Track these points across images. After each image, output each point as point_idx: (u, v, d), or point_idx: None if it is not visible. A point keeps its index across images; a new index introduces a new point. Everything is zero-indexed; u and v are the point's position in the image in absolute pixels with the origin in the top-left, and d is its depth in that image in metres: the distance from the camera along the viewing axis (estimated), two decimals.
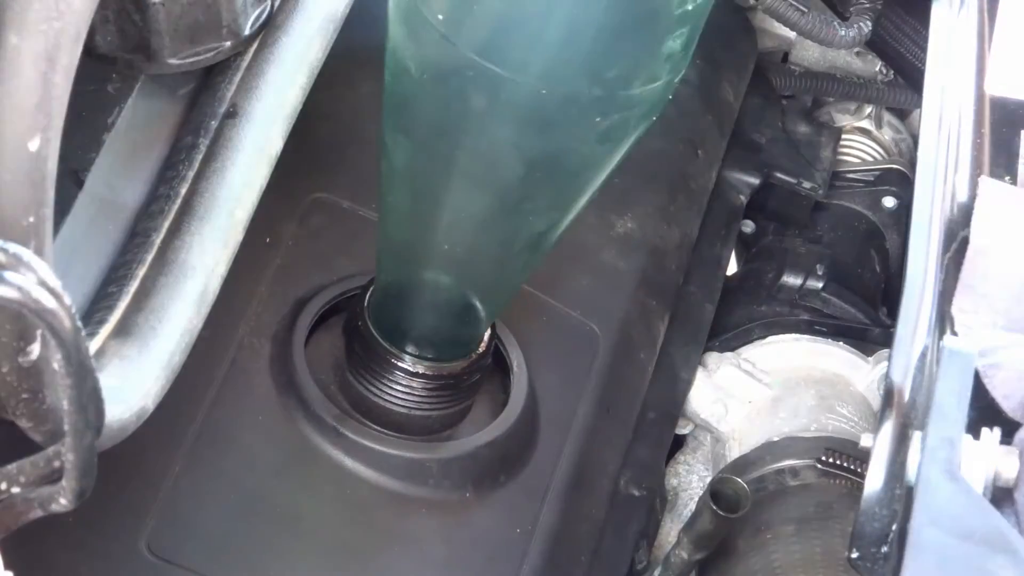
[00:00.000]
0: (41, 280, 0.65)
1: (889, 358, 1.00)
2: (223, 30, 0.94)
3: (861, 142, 1.65)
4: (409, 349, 1.14)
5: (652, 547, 1.31)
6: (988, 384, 0.94)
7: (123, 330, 0.87)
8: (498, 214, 1.04)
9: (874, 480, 0.90)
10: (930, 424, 0.88)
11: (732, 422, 1.39)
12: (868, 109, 1.66)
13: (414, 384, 1.14)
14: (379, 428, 1.15)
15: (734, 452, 1.37)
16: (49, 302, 0.65)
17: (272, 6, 0.98)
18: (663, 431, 1.35)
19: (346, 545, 1.12)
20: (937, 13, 1.22)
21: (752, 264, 1.56)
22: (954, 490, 0.86)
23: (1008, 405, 0.95)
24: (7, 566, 0.76)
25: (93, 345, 0.86)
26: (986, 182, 1.06)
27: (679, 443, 1.43)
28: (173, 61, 0.93)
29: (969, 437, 0.89)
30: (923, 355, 0.96)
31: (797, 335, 1.43)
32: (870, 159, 1.64)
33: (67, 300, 0.66)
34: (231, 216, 0.93)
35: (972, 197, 1.05)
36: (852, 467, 1.28)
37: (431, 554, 1.14)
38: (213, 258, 0.91)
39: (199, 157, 0.94)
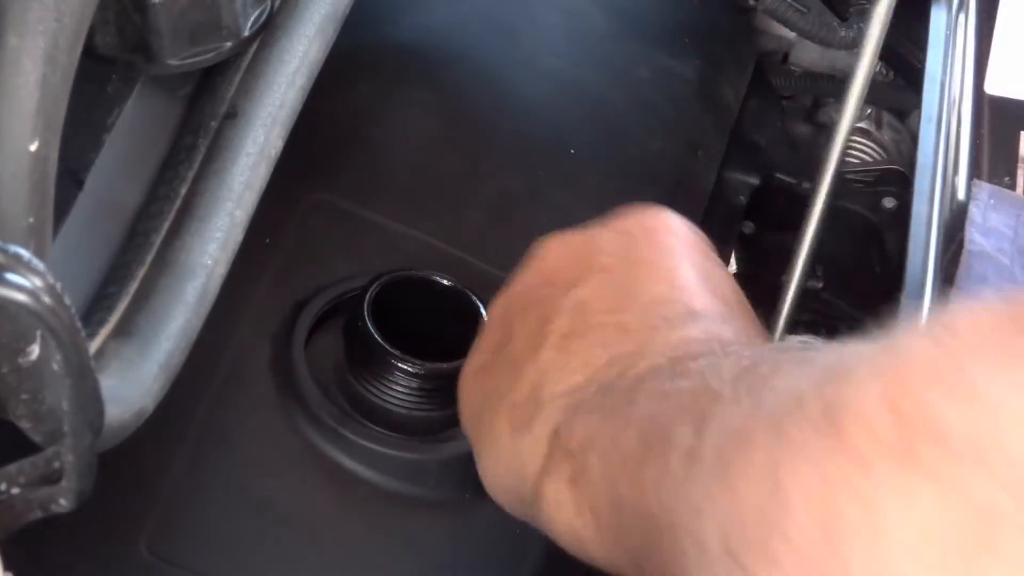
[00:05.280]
0: (41, 281, 0.65)
1: None
2: (223, 30, 0.94)
3: (861, 143, 1.65)
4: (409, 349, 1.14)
5: None
6: None
7: (123, 330, 0.87)
8: None
9: None
10: None
11: None
12: (868, 110, 1.66)
13: (414, 384, 1.14)
14: (379, 429, 1.15)
15: None
16: (49, 303, 0.65)
17: (272, 6, 0.98)
18: None
19: (346, 545, 1.12)
20: (937, 13, 1.22)
21: (752, 265, 1.56)
22: None
23: None
24: (7, 566, 0.76)
25: (93, 345, 0.86)
26: (979, 186, 1.06)
27: None
28: (173, 62, 0.93)
29: None
30: None
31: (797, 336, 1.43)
32: (870, 160, 1.64)
33: (67, 300, 0.66)
34: (231, 217, 0.93)
35: (970, 199, 1.06)
36: None
37: (431, 554, 1.14)
38: (213, 258, 0.91)
39: (199, 158, 0.94)
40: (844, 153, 1.15)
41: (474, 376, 0.95)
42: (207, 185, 0.93)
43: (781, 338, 1.16)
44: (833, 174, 1.14)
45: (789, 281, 1.14)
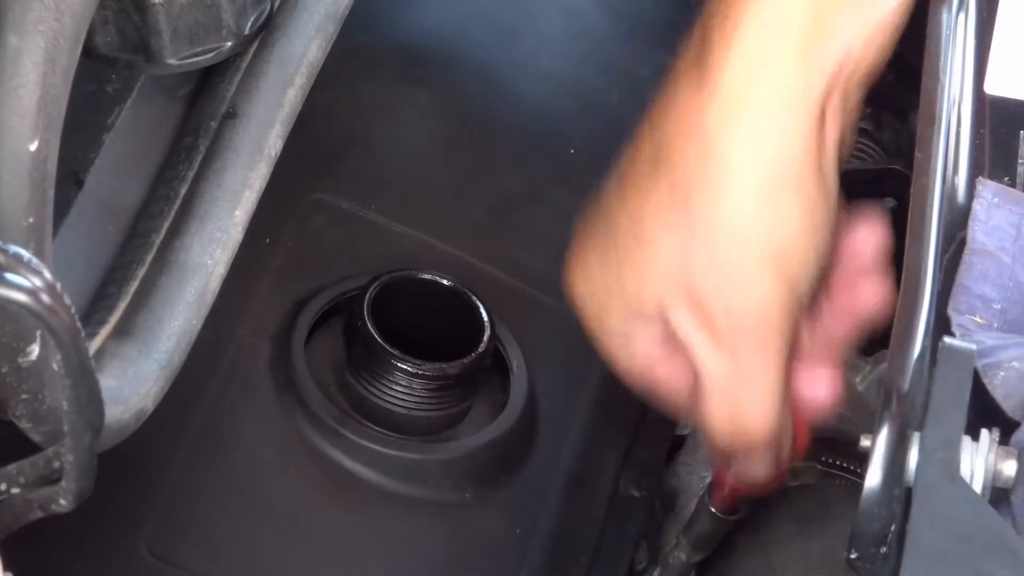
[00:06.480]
0: (41, 281, 0.65)
1: (889, 358, 1.00)
2: (223, 30, 0.94)
3: (860, 142, 1.65)
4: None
5: (652, 548, 1.31)
6: (988, 384, 0.94)
7: (123, 330, 0.87)
8: None
9: (873, 480, 0.90)
10: (929, 425, 0.88)
11: None
12: (868, 109, 1.66)
13: (414, 384, 1.14)
14: (379, 429, 1.15)
15: None
16: (48, 303, 0.65)
17: (272, 6, 0.98)
18: (663, 431, 1.35)
19: (346, 545, 1.12)
20: (937, 13, 1.22)
21: None
22: (953, 491, 0.86)
23: (1008, 405, 0.95)
24: (7, 567, 0.76)
25: (93, 345, 0.86)
26: (983, 184, 1.06)
27: (679, 443, 1.43)
28: (173, 62, 0.93)
29: (968, 438, 0.89)
30: (922, 355, 0.96)
31: None
32: (869, 159, 1.64)
33: (67, 300, 0.66)
34: (231, 216, 0.93)
35: (970, 198, 1.05)
36: (852, 468, 1.28)
37: (431, 554, 1.14)
38: (213, 258, 0.91)
39: (199, 157, 0.94)
40: None
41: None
42: (207, 185, 0.93)
43: None
44: None
45: None
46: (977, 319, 0.99)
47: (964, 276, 1.01)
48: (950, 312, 0.99)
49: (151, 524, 1.08)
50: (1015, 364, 0.96)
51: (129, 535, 1.07)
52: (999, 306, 1.00)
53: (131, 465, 1.04)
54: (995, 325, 0.99)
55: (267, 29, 0.98)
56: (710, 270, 0.94)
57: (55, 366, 0.69)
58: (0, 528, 0.77)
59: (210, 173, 0.93)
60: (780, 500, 1.29)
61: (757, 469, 1.04)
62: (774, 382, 0.98)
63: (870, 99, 1.64)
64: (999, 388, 0.95)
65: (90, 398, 0.72)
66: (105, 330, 0.87)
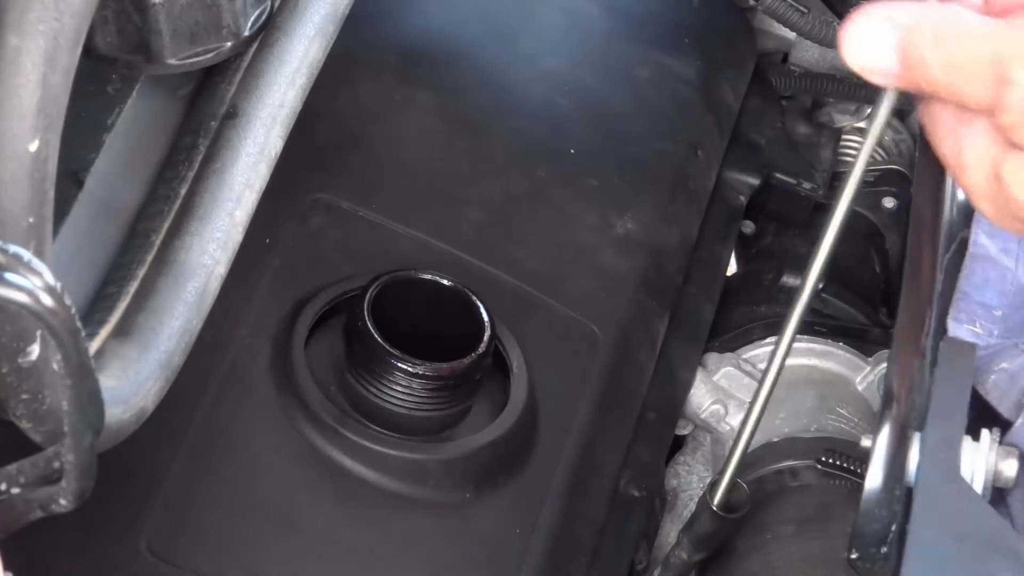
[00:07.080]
0: (41, 281, 0.65)
1: (889, 358, 1.00)
2: (223, 30, 0.94)
3: (861, 143, 1.65)
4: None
5: (652, 548, 1.31)
6: (981, 389, 0.94)
7: (123, 330, 0.87)
8: None
9: (874, 481, 0.90)
10: (929, 425, 0.89)
11: (732, 422, 1.39)
12: (868, 109, 1.66)
13: (414, 384, 1.14)
14: (379, 429, 1.15)
15: None
16: (49, 303, 0.65)
17: (272, 6, 0.98)
18: (663, 431, 1.35)
19: (346, 545, 1.13)
20: None
21: (752, 264, 1.56)
22: (953, 491, 0.86)
23: (1003, 408, 0.95)
24: (7, 567, 0.76)
25: (93, 345, 0.86)
26: None
27: (679, 443, 1.43)
28: (173, 62, 0.93)
29: (968, 438, 0.89)
30: (923, 356, 0.96)
31: (797, 335, 1.43)
32: (870, 159, 1.64)
33: (67, 300, 0.66)
34: (231, 216, 0.93)
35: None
36: (852, 468, 1.28)
37: (431, 554, 1.14)
38: (213, 258, 0.91)
39: (199, 158, 0.94)
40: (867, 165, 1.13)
41: None
42: (207, 185, 0.93)
43: (791, 339, 1.15)
44: (857, 186, 1.13)
45: (803, 287, 1.14)
46: (976, 328, 0.99)
47: (965, 283, 1.01)
48: (949, 321, 0.99)
49: (151, 524, 1.08)
50: (1004, 365, 0.96)
51: (129, 535, 1.07)
52: (1000, 312, 1.00)
53: (131, 465, 1.04)
54: (995, 332, 0.99)
55: (267, 29, 0.98)
56: None
57: (55, 366, 0.70)
58: (0, 528, 0.77)
59: (210, 173, 0.93)
60: (780, 501, 1.29)
61: None
62: None
63: (870, 99, 1.65)
64: (992, 392, 0.95)
65: (90, 398, 0.72)
66: (105, 330, 0.87)
